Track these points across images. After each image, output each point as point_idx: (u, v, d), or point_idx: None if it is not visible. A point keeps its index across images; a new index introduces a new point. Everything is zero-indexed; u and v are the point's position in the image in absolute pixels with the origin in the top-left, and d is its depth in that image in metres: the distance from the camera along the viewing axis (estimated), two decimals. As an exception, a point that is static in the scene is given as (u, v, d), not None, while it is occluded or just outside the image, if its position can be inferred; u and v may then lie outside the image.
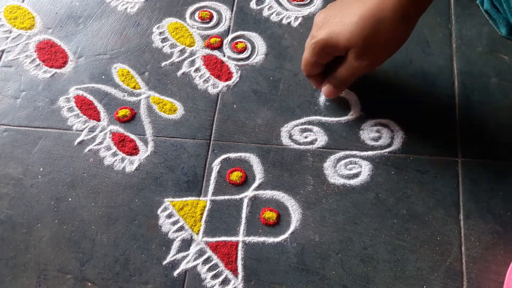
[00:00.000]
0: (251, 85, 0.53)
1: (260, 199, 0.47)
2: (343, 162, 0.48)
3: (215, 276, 0.43)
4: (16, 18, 0.60)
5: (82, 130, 0.52)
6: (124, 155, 0.50)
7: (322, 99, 0.51)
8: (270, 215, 0.45)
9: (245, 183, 0.47)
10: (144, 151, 0.50)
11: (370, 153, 0.48)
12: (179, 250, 0.45)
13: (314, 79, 0.48)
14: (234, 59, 0.55)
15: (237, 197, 0.47)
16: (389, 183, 0.46)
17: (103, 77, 0.55)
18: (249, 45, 0.56)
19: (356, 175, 0.47)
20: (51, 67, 0.56)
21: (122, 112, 0.52)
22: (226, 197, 0.47)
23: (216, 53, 0.56)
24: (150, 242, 0.45)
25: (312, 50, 0.42)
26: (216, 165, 0.49)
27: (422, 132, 0.49)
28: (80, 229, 0.46)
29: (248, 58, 0.55)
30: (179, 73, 0.55)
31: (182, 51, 0.56)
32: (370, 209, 0.45)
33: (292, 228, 0.45)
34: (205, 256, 0.44)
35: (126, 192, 0.48)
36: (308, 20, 0.57)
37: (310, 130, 0.50)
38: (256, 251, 0.44)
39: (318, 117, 0.50)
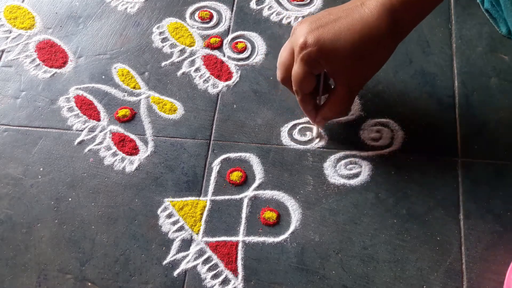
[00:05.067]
0: (251, 85, 0.53)
1: (260, 199, 0.47)
2: (343, 162, 0.48)
3: (215, 276, 0.43)
4: (16, 18, 0.60)
5: (82, 130, 0.52)
6: (124, 155, 0.50)
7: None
8: (270, 215, 0.45)
9: (245, 183, 0.47)
10: (144, 151, 0.50)
11: (370, 153, 0.48)
12: (179, 250, 0.45)
13: (306, 102, 0.44)
14: (234, 59, 0.55)
15: (237, 197, 0.47)
16: (389, 183, 0.46)
17: (103, 77, 0.55)
18: (249, 45, 0.56)
19: (356, 175, 0.47)
20: (51, 67, 0.56)
21: (122, 112, 0.52)
22: (226, 197, 0.47)
23: (216, 53, 0.56)
24: (150, 242, 0.45)
25: (307, 58, 0.38)
26: (216, 165, 0.49)
27: (422, 132, 0.49)
28: (80, 229, 0.46)
29: (248, 58, 0.55)
30: (179, 73, 0.55)
31: (182, 51, 0.56)
32: (370, 209, 0.45)
33: (292, 228, 0.45)
34: (205, 256, 0.44)
35: (126, 192, 0.48)
36: (308, 20, 0.57)
37: (310, 130, 0.50)
38: (256, 251, 0.44)
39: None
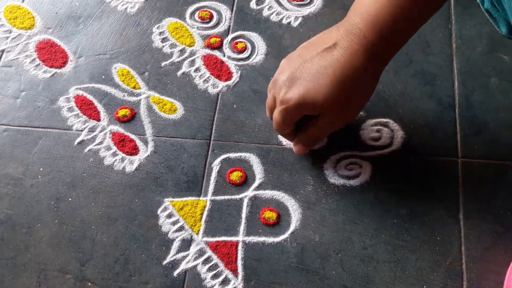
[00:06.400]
0: (251, 85, 0.53)
1: (260, 199, 0.47)
2: (343, 162, 0.48)
3: (215, 276, 0.43)
4: (16, 18, 0.60)
5: (82, 130, 0.52)
6: (124, 155, 0.50)
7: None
8: (270, 215, 0.45)
9: (245, 183, 0.47)
10: (144, 151, 0.50)
11: (370, 153, 0.48)
12: (179, 250, 0.45)
13: (287, 137, 0.46)
14: (234, 59, 0.55)
15: (237, 197, 0.47)
16: (389, 183, 0.46)
17: (103, 77, 0.55)
18: (249, 45, 0.56)
19: (356, 175, 0.47)
20: (51, 67, 0.56)
21: (122, 112, 0.52)
22: (226, 197, 0.47)
23: (216, 53, 0.56)
24: (150, 242, 0.45)
25: (284, 113, 0.39)
26: (216, 165, 0.49)
27: (422, 132, 0.49)
28: (80, 229, 0.46)
29: (248, 58, 0.55)
30: (179, 73, 0.55)
31: (182, 51, 0.56)
32: (370, 209, 0.45)
33: (292, 228, 0.45)
34: (205, 256, 0.44)
35: (126, 192, 0.48)
36: (308, 20, 0.57)
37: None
38: (256, 251, 0.44)
39: (318, 117, 0.50)
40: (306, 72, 0.39)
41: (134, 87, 0.54)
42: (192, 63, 0.55)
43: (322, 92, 0.38)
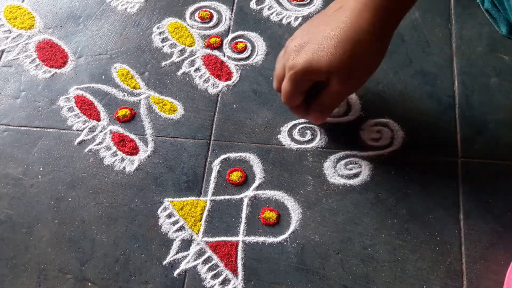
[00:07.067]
0: (251, 85, 0.53)
1: (260, 199, 0.47)
2: (343, 162, 0.48)
3: (215, 276, 0.43)
4: (16, 18, 0.60)
5: (82, 130, 0.52)
6: (124, 155, 0.50)
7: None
8: (270, 215, 0.45)
9: (245, 183, 0.47)
10: (144, 151, 0.50)
11: (370, 153, 0.48)
12: (179, 250, 0.45)
13: (297, 110, 0.44)
14: (234, 59, 0.55)
15: (237, 197, 0.47)
16: (389, 183, 0.46)
17: (103, 77, 0.55)
18: (249, 45, 0.56)
19: (356, 175, 0.47)
20: (51, 67, 0.56)
21: (122, 112, 0.52)
22: (226, 197, 0.47)
23: (216, 53, 0.56)
24: (150, 242, 0.45)
25: (293, 80, 0.39)
26: (216, 165, 0.49)
27: (422, 132, 0.49)
28: (80, 229, 0.46)
29: (248, 58, 0.55)
30: (179, 73, 0.55)
31: (182, 51, 0.56)
32: (370, 209, 0.45)
33: (292, 228, 0.45)
34: (205, 256, 0.44)
35: (126, 192, 0.48)
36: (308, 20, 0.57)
37: (310, 130, 0.50)
38: (256, 251, 0.44)
39: (318, 117, 0.50)
40: (314, 37, 0.39)
41: (134, 87, 0.54)
42: (192, 63, 0.55)
43: (327, 55, 0.38)
